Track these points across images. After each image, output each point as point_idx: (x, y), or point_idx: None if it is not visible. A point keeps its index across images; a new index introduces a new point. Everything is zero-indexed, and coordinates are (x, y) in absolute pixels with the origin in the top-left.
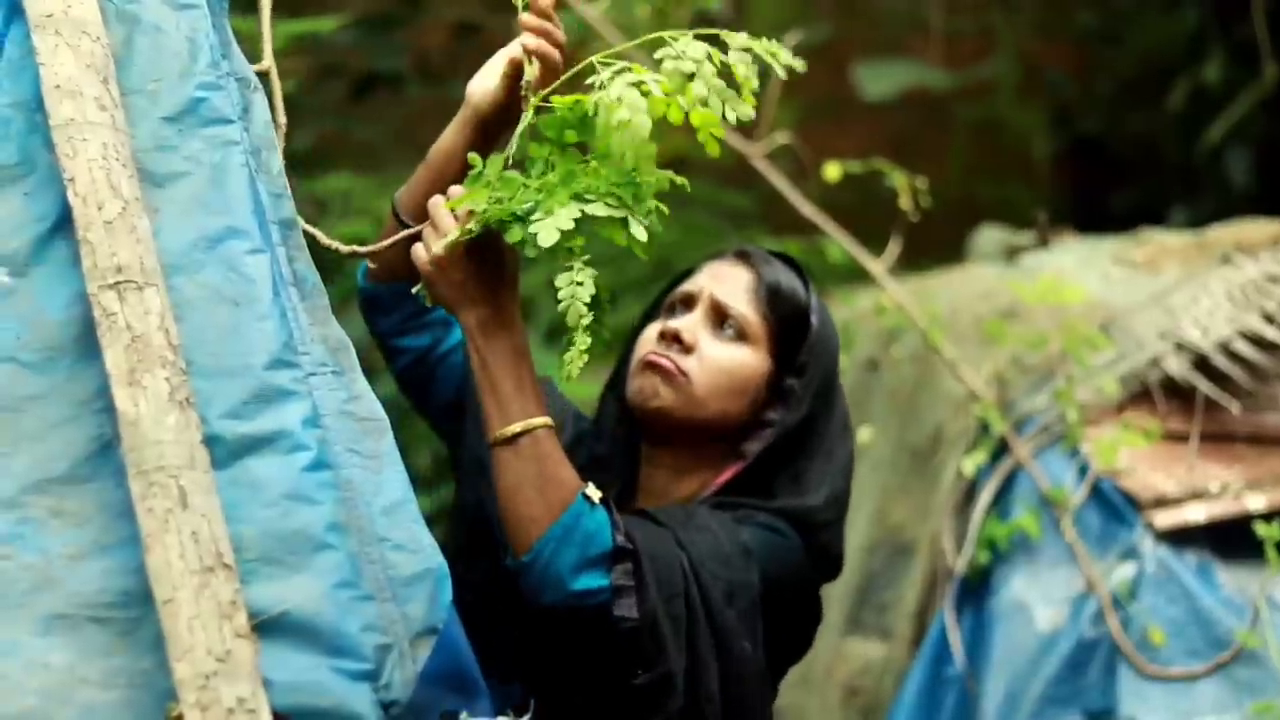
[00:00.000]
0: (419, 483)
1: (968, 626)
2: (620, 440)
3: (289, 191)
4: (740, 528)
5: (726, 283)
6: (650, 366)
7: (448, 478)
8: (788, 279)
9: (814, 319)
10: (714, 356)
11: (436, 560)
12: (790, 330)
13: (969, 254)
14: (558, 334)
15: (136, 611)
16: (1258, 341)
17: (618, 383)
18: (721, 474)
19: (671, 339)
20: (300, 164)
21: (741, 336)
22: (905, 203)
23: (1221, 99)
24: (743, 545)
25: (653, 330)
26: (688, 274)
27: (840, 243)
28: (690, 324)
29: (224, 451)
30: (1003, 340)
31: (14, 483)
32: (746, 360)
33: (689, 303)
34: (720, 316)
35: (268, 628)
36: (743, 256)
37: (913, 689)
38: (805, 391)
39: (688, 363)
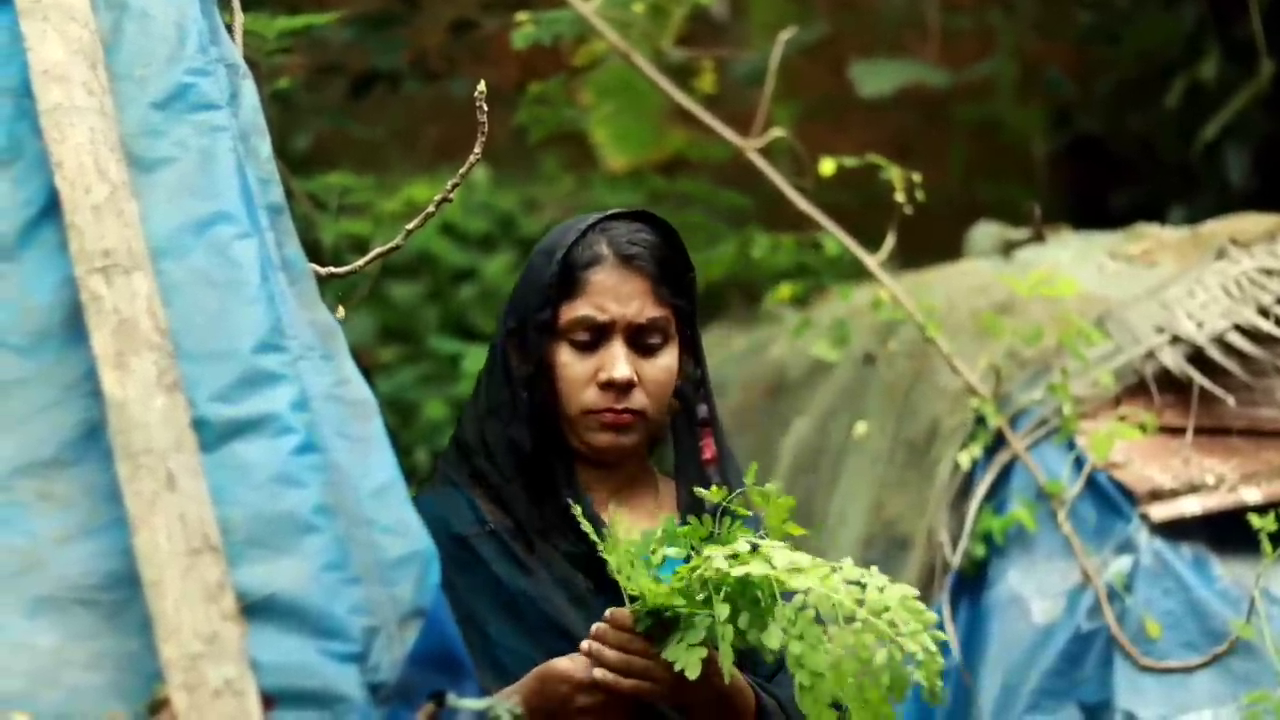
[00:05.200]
0: (419, 480)
1: (964, 619)
2: (536, 464)
3: (278, 177)
4: None
5: (632, 301)
6: (610, 427)
7: None
8: (668, 254)
9: (691, 267)
10: (655, 379)
11: (424, 542)
12: (685, 298)
13: (965, 249)
14: None
15: (123, 594)
16: (1253, 335)
17: (522, 405)
18: (701, 448)
19: (622, 390)
20: (300, 162)
21: (663, 340)
22: (900, 197)
23: (1218, 97)
24: None
25: (576, 369)
26: (566, 277)
27: (836, 237)
28: (622, 361)
29: (211, 435)
30: (998, 334)
31: (1, 466)
32: (673, 359)
33: (602, 331)
34: (640, 333)
35: (255, 610)
36: (627, 261)
37: None
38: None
39: (638, 401)
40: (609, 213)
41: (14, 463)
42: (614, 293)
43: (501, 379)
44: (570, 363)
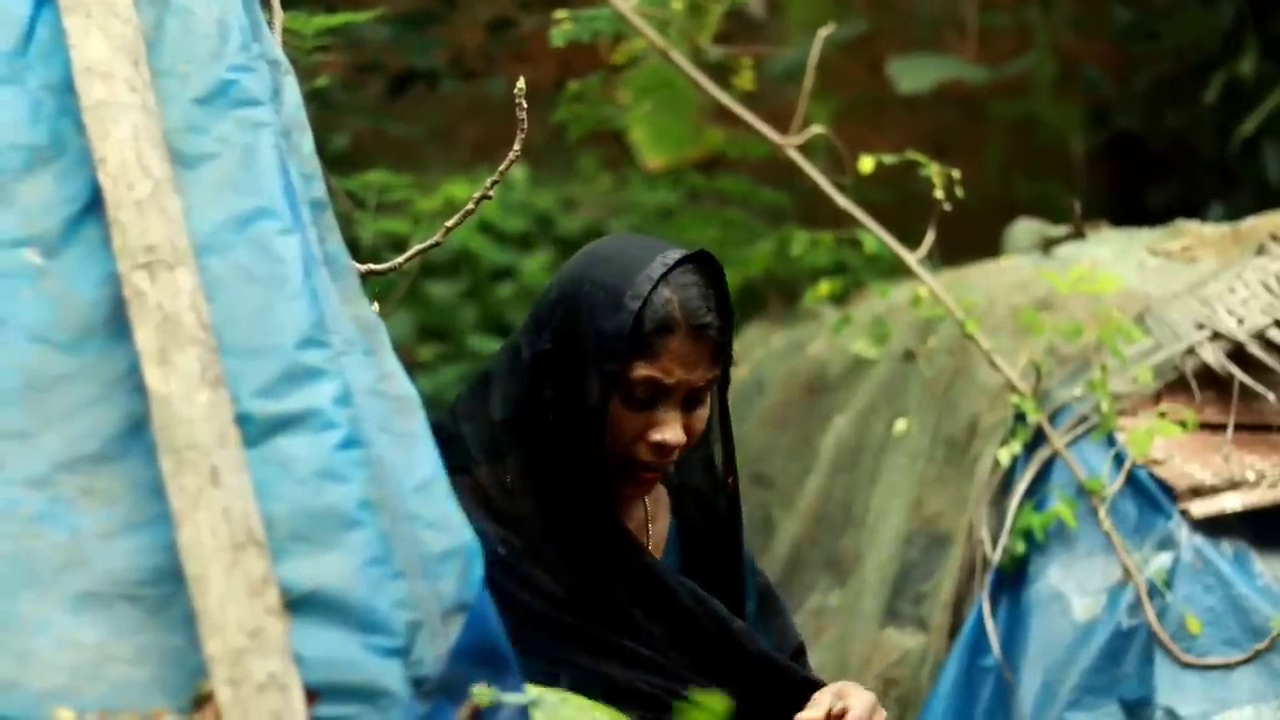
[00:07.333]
0: None
1: (1004, 616)
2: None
3: (320, 173)
4: None
5: (697, 367)
6: (649, 481)
7: None
8: (728, 310)
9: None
10: (694, 429)
11: (467, 537)
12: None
13: (1004, 246)
14: None
15: (167, 589)
16: None
17: (546, 427)
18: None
19: (672, 450)
20: (338, 160)
21: (709, 390)
22: (940, 194)
23: (1256, 94)
24: None
25: (630, 423)
26: (637, 334)
27: (875, 234)
28: (677, 426)
29: (255, 430)
30: (1038, 330)
31: (45, 461)
32: (708, 410)
33: (661, 390)
34: (694, 392)
35: (299, 604)
36: (699, 330)
37: (949, 679)
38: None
39: (678, 452)
40: (673, 258)
41: (57, 458)
42: (683, 361)
43: (526, 394)
44: (624, 415)
